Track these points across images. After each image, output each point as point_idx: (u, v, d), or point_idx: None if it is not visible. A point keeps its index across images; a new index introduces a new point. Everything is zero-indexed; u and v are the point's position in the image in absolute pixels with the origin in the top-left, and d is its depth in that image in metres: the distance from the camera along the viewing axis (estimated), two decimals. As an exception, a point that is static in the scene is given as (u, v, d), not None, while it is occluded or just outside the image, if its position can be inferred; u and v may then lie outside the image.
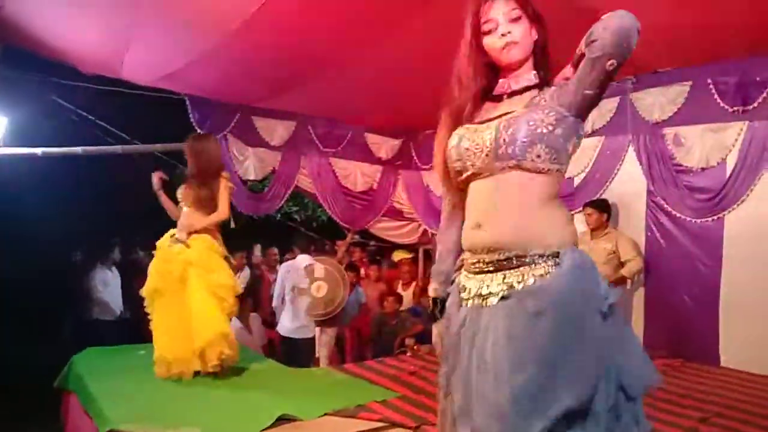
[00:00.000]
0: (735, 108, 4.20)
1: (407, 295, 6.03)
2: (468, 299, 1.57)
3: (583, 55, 1.48)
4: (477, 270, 1.56)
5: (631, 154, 4.93)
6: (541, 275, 1.46)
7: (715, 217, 4.39)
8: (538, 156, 1.50)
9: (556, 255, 1.47)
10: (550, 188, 1.54)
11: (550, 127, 1.50)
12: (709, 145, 4.40)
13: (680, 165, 4.58)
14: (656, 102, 4.66)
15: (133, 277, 6.82)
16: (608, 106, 4.99)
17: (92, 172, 7.16)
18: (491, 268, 1.52)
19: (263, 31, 3.82)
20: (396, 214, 6.76)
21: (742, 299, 4.20)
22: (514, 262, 1.49)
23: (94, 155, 5.54)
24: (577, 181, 5.31)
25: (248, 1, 3.52)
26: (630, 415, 1.45)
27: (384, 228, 6.81)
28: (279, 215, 8.17)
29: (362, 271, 6.78)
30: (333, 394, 3.47)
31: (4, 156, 4.78)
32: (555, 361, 1.38)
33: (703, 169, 4.45)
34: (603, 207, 4.93)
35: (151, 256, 3.99)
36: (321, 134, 5.98)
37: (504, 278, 1.50)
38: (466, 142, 1.58)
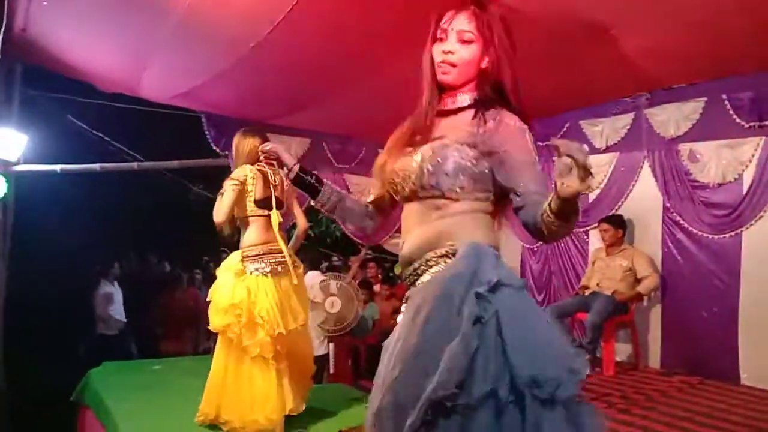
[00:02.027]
0: (751, 123, 4.17)
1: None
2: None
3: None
4: (409, 282, 1.53)
5: (646, 170, 4.91)
6: (435, 272, 1.43)
7: (733, 233, 4.35)
8: (462, 188, 1.46)
9: (454, 252, 1.41)
10: (476, 207, 1.48)
11: (474, 161, 1.46)
12: (725, 161, 4.37)
13: (696, 181, 4.55)
14: (671, 118, 4.64)
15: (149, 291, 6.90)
16: (622, 123, 4.98)
17: (109, 188, 7.25)
18: (411, 280, 1.50)
19: (278, 51, 3.87)
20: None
21: (762, 316, 4.13)
22: (420, 270, 1.46)
23: (112, 172, 5.61)
24: (591, 197, 5.29)
25: (263, 22, 3.57)
26: (554, 424, 1.20)
27: (398, 243, 6.80)
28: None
29: (376, 288, 6.77)
30: (347, 411, 3.46)
31: (24, 173, 4.85)
32: (426, 351, 1.27)
33: (719, 184, 4.41)
34: (619, 223, 4.91)
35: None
36: (335, 151, 6.02)
37: (414, 285, 1.49)
38: (398, 164, 1.56)
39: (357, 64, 4.12)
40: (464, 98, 1.54)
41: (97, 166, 5.41)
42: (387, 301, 6.39)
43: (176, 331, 6.66)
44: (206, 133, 5.37)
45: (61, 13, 3.77)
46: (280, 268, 3.15)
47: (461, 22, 1.49)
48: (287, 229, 3.73)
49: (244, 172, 3.17)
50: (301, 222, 3.45)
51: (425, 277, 1.45)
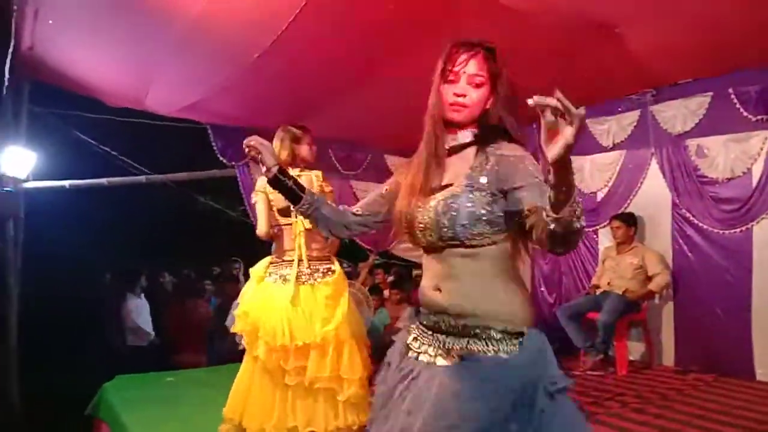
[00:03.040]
0: (758, 117, 4.16)
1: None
2: (418, 353, 1.58)
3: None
4: (437, 328, 1.57)
5: (654, 167, 4.89)
6: (507, 352, 1.47)
7: (743, 228, 4.33)
8: (480, 234, 1.50)
9: (521, 334, 1.49)
10: (501, 255, 1.54)
11: (488, 207, 1.50)
12: (733, 156, 4.35)
13: (705, 176, 4.53)
14: (678, 114, 4.63)
15: (161, 303, 6.92)
16: (629, 120, 4.97)
17: (118, 201, 7.29)
18: (454, 332, 1.53)
19: (282, 60, 3.89)
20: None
21: (776, 310, 4.11)
22: (479, 332, 1.50)
23: (120, 186, 5.64)
24: (600, 195, 5.28)
25: (266, 32, 3.59)
26: None
27: (406, 249, 6.80)
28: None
29: (386, 293, 6.77)
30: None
31: (33, 189, 4.89)
32: (479, 420, 1.39)
33: (728, 179, 4.39)
34: (631, 220, 4.89)
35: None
36: (341, 158, 6.04)
37: (467, 344, 1.50)
38: (411, 215, 1.58)
39: (361, 72, 4.14)
40: (466, 134, 1.60)
41: (104, 180, 5.44)
42: (398, 305, 6.38)
43: (188, 342, 6.67)
44: (213, 144, 5.40)
45: (67, 31, 3.80)
46: (305, 278, 3.06)
47: (473, 67, 1.54)
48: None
49: (263, 182, 3.09)
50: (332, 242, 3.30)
51: (485, 347, 1.49)
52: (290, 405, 2.91)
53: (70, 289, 6.60)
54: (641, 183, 5.00)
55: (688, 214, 4.67)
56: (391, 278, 7.27)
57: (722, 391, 3.95)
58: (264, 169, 1.73)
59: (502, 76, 1.56)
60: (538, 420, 1.39)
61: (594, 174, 5.33)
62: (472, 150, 1.58)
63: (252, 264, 3.29)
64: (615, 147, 5.12)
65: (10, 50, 3.87)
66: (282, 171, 1.72)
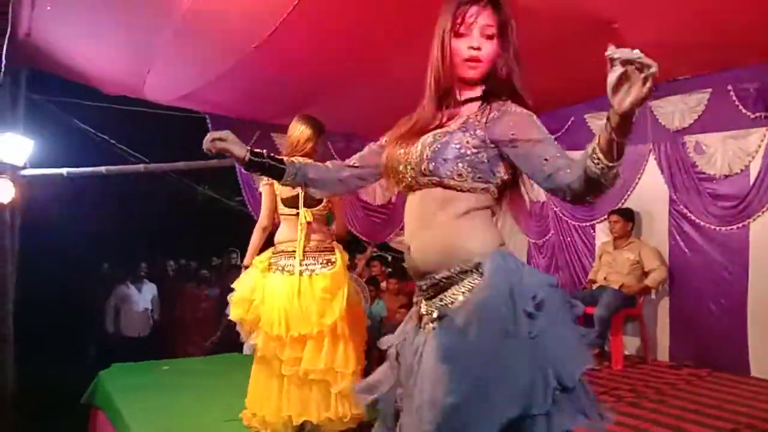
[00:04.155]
0: (757, 114, 4.16)
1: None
2: (421, 324, 1.55)
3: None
4: (421, 295, 1.55)
5: (651, 163, 4.89)
6: (469, 290, 1.43)
7: (740, 225, 4.33)
8: (459, 175, 1.46)
9: (479, 265, 1.43)
10: (476, 203, 1.48)
11: (474, 150, 1.46)
12: (731, 152, 4.35)
13: (702, 173, 4.53)
14: (676, 110, 4.62)
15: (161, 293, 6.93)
16: (627, 115, 4.97)
17: (116, 190, 7.28)
18: (430, 294, 1.50)
19: (281, 50, 3.87)
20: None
21: (771, 307, 4.12)
22: (444, 283, 1.46)
23: (118, 174, 5.63)
24: (597, 190, 5.28)
25: (265, 22, 3.58)
26: (573, 407, 1.34)
27: (404, 241, 6.82)
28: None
29: (383, 285, 6.78)
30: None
31: (31, 177, 4.88)
32: (487, 378, 1.32)
33: (726, 176, 4.40)
34: (629, 215, 4.90)
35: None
36: (339, 149, 6.02)
37: (440, 301, 1.48)
38: (399, 152, 1.56)
39: (359, 62, 4.12)
40: (475, 92, 1.56)
41: (102, 168, 5.43)
42: (395, 296, 6.40)
43: (185, 331, 6.69)
44: (211, 133, 5.38)
45: (65, 18, 3.78)
46: (308, 268, 3.06)
47: (485, 18, 1.50)
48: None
49: None
50: (339, 229, 3.31)
51: (454, 296, 1.45)
52: (285, 394, 2.94)
53: (67, 277, 6.61)
54: (639, 178, 5.00)
55: (685, 210, 4.67)
56: (388, 269, 7.28)
57: (716, 386, 3.97)
58: (236, 161, 1.67)
59: (511, 26, 1.53)
60: (533, 343, 1.33)
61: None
62: (477, 103, 1.55)
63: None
64: (613, 142, 5.11)
65: (7, 37, 3.85)
66: (254, 152, 1.65)
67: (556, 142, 1.45)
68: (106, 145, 5.64)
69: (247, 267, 3.18)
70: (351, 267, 6.31)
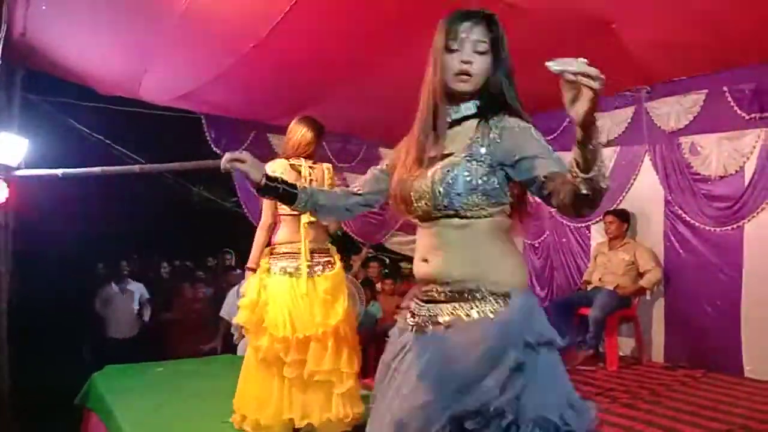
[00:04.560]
0: (752, 115, 4.17)
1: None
2: (411, 325, 1.58)
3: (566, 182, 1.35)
4: (427, 298, 1.56)
5: (647, 164, 4.91)
6: (491, 311, 1.46)
7: (735, 226, 4.35)
8: (476, 205, 1.50)
9: (507, 295, 1.47)
10: (495, 228, 1.53)
11: (484, 178, 1.49)
12: (726, 154, 4.37)
13: (698, 174, 4.54)
14: (672, 111, 4.64)
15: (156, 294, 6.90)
16: (623, 116, 4.98)
17: (111, 191, 7.26)
18: (443, 298, 1.53)
19: (277, 51, 3.87)
20: (411, 227, 6.73)
21: (765, 308, 4.13)
22: (466, 295, 1.49)
23: (113, 175, 5.60)
24: (593, 191, 5.29)
25: (262, 22, 3.58)
26: None
27: (399, 242, 6.81)
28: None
29: (378, 286, 6.78)
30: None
31: (26, 177, 4.85)
32: (470, 378, 1.39)
33: (721, 177, 4.41)
34: (624, 216, 4.92)
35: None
36: (335, 150, 6.03)
37: (454, 309, 1.50)
38: (408, 185, 1.57)
39: (356, 63, 4.12)
40: (468, 106, 1.57)
41: (98, 169, 5.39)
42: (390, 296, 6.40)
43: (180, 332, 6.66)
44: (207, 134, 5.38)
45: (60, 17, 3.77)
46: (312, 270, 3.04)
47: (477, 34, 1.52)
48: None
49: (272, 168, 3.03)
50: (333, 225, 3.29)
51: (471, 310, 1.48)
52: (287, 397, 2.92)
53: (62, 278, 6.57)
54: (634, 179, 5.02)
55: (680, 211, 4.69)
56: (384, 270, 7.27)
57: (711, 387, 3.99)
58: (251, 184, 1.68)
59: (503, 42, 1.54)
60: (519, 374, 1.37)
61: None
62: (473, 122, 1.57)
63: (245, 255, 3.27)
64: (609, 143, 5.12)
65: (2, 36, 3.83)
66: (269, 177, 1.66)
67: (555, 154, 1.46)
68: (102, 145, 5.62)
69: (252, 269, 3.16)
70: (346, 268, 6.33)
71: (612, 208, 5.00)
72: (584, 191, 1.28)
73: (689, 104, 4.54)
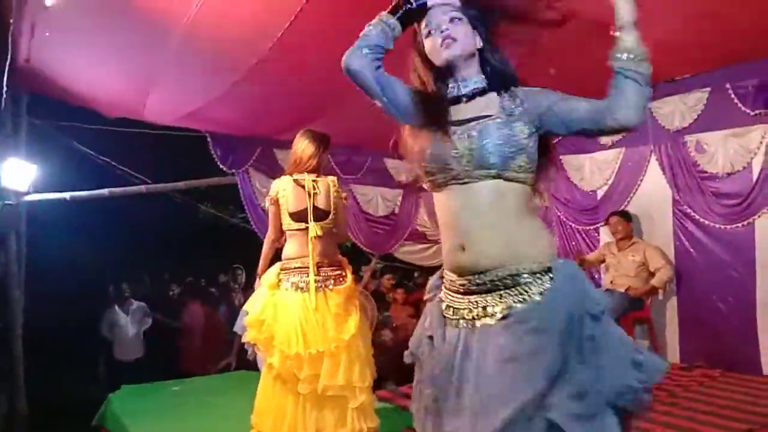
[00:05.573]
0: (756, 111, 4.16)
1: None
2: (456, 319, 1.52)
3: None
4: (466, 290, 1.51)
5: (653, 164, 4.90)
6: (540, 293, 1.44)
7: (745, 223, 4.33)
8: (520, 167, 1.48)
9: (549, 270, 1.46)
10: (526, 199, 1.52)
11: (526, 139, 1.49)
12: (732, 150, 4.35)
13: (705, 172, 4.53)
14: (676, 110, 4.64)
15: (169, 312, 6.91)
16: (627, 117, 4.97)
17: (119, 212, 7.30)
18: (484, 289, 1.48)
19: (280, 66, 3.89)
20: (419, 237, 6.76)
21: (780, 304, 4.11)
22: (509, 281, 1.46)
23: (121, 196, 5.64)
24: (600, 193, 5.28)
25: (263, 38, 3.60)
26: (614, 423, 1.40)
27: (408, 251, 6.81)
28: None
29: (390, 296, 6.77)
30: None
31: (35, 202, 4.89)
32: (558, 374, 1.37)
33: (728, 174, 4.40)
34: (628, 216, 4.91)
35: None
36: (341, 162, 6.03)
37: (500, 298, 1.46)
38: (439, 145, 1.51)
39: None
40: (476, 80, 1.57)
41: (105, 191, 5.44)
42: (402, 306, 6.39)
43: (194, 350, 6.66)
44: (213, 152, 5.41)
45: (64, 42, 3.81)
46: (317, 285, 3.01)
47: (440, 11, 1.56)
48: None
49: (275, 187, 3.09)
50: (341, 236, 3.29)
51: (521, 295, 1.46)
52: (301, 413, 2.90)
53: (73, 300, 6.60)
54: (641, 180, 5.01)
55: (689, 210, 4.67)
56: (393, 280, 7.27)
57: (729, 386, 3.95)
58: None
59: (481, 14, 1.57)
60: (590, 345, 1.39)
61: (594, 172, 5.33)
62: (492, 94, 1.56)
63: (254, 271, 3.27)
64: (614, 145, 5.12)
65: (7, 63, 3.87)
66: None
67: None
68: (108, 167, 5.67)
69: (261, 277, 3.16)
70: (357, 280, 6.33)
71: (615, 210, 4.98)
72: (637, 78, 1.43)
73: (693, 102, 4.54)
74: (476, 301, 1.49)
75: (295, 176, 3.11)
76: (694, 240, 4.68)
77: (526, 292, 1.45)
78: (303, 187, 3.08)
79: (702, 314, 4.61)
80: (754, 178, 4.26)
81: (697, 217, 4.61)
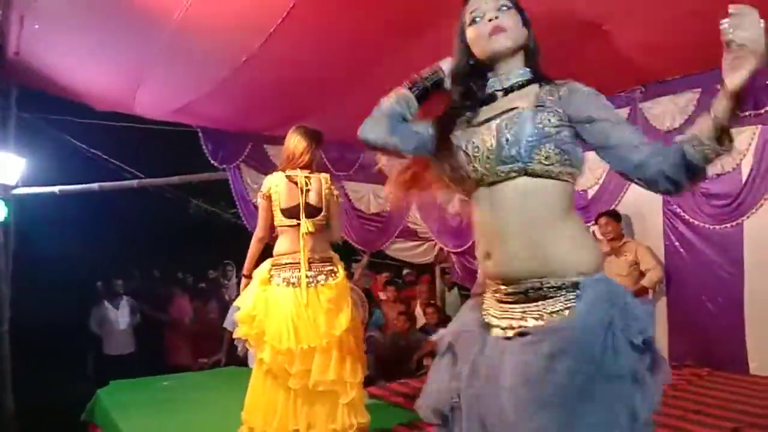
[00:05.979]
0: (746, 113, 4.18)
1: (420, 314, 6.08)
2: (492, 326, 1.42)
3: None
4: (498, 299, 1.41)
5: (644, 164, 4.90)
6: (559, 311, 1.30)
7: (734, 223, 4.35)
8: (547, 158, 1.33)
9: (576, 285, 1.31)
10: (563, 198, 1.36)
11: (556, 128, 1.34)
12: (722, 151, 4.37)
13: (695, 172, 4.54)
14: (666, 110, 4.65)
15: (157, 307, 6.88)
16: (618, 117, 4.99)
17: (109, 207, 7.26)
18: (510, 300, 1.37)
19: (271, 62, 3.88)
20: (411, 234, 6.77)
21: (768, 304, 4.14)
22: (531, 294, 1.33)
23: (111, 190, 5.61)
24: (591, 193, 5.30)
25: (255, 33, 3.58)
26: None
27: (399, 249, 6.81)
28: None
29: (381, 295, 6.78)
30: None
31: (24, 196, 4.85)
32: (574, 405, 1.22)
33: (718, 175, 4.41)
34: (617, 216, 4.91)
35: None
36: (333, 158, 6.02)
37: (523, 312, 1.35)
38: (463, 143, 1.42)
39: (351, 71, 4.13)
40: (524, 72, 1.47)
41: (95, 185, 5.41)
42: (392, 304, 6.40)
43: (183, 345, 6.65)
44: (204, 147, 5.38)
45: (53, 35, 3.77)
46: (309, 280, 3.02)
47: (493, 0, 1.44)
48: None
49: (267, 183, 3.08)
50: (335, 235, 3.28)
51: (540, 312, 1.33)
52: (292, 408, 2.90)
53: (62, 296, 6.57)
54: (631, 180, 5.02)
55: (679, 210, 4.69)
56: (385, 277, 7.28)
57: (717, 385, 3.97)
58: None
59: (525, 11, 1.47)
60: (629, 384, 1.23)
61: (584, 171, 5.34)
62: (534, 86, 1.44)
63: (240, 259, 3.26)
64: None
65: (-2, 56, 3.84)
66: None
67: (631, 124, 1.38)
68: (99, 161, 5.63)
69: (246, 276, 3.15)
70: (348, 276, 6.32)
71: (604, 211, 4.99)
72: (704, 165, 1.23)
73: (684, 103, 4.55)
74: (506, 310, 1.40)
75: (288, 172, 3.11)
76: (683, 240, 4.70)
77: (543, 309, 1.32)
78: (296, 183, 3.08)
79: (691, 314, 4.63)
80: (743, 179, 4.28)
81: (686, 217, 4.64)
